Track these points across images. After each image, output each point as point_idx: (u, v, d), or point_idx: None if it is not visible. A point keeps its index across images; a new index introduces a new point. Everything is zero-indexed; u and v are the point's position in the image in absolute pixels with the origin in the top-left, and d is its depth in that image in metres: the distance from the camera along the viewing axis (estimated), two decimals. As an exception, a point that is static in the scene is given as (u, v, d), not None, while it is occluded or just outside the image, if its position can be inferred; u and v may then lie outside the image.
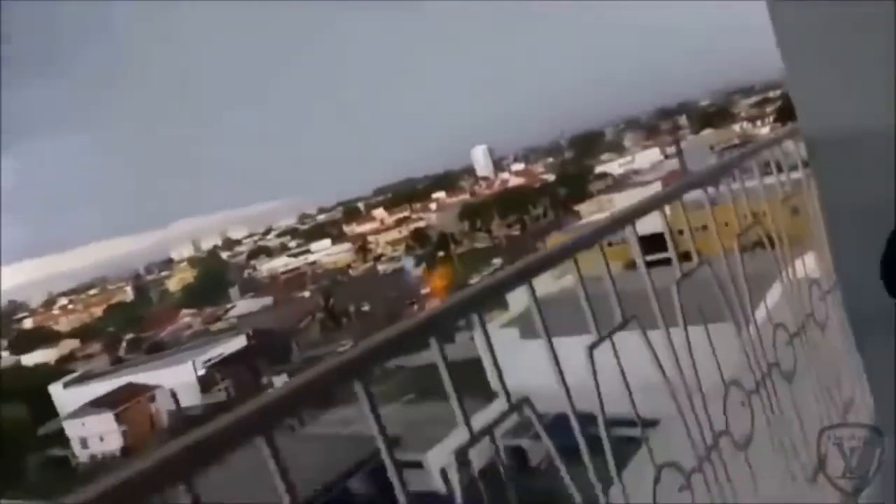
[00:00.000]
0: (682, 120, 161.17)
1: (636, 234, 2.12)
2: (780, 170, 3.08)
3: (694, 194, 2.61)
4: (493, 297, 1.61)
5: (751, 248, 2.67)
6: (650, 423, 1.87)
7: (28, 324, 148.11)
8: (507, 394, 1.66)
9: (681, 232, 2.35)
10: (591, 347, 1.81)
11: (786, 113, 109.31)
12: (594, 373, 1.79)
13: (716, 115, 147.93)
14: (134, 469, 1.03)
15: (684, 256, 2.33)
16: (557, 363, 1.72)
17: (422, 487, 1.55)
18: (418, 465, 30.96)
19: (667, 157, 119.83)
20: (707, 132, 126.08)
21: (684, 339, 2.18)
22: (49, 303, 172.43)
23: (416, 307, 75.57)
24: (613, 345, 1.86)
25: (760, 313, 2.72)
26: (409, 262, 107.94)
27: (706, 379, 2.21)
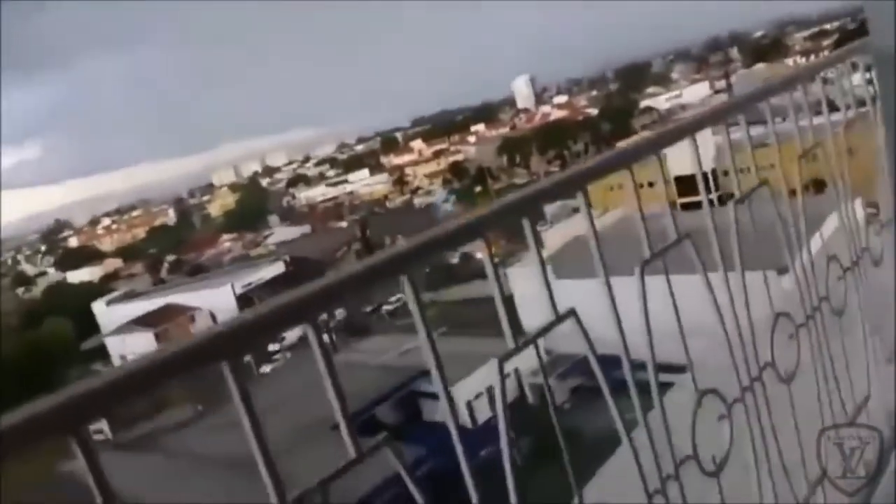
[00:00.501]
0: (734, 52, 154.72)
1: (663, 161, 1.95)
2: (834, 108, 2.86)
3: (735, 135, 2.35)
4: (536, 206, 1.58)
5: (804, 190, 2.49)
6: (679, 369, 1.74)
7: (73, 242, 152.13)
8: (554, 304, 1.60)
9: (725, 173, 2.19)
10: (643, 265, 1.73)
11: (845, 45, 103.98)
12: (643, 293, 1.70)
13: (769, 47, 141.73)
14: (180, 345, 1.03)
15: (728, 197, 2.16)
16: (613, 302, 1.65)
17: (447, 419, 1.38)
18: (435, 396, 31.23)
19: (716, 91, 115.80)
20: (759, 66, 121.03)
21: (730, 272, 2.07)
22: (93, 222, 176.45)
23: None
24: (666, 268, 1.78)
25: (815, 246, 2.58)
26: (440, 197, 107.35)
27: (751, 318, 2.10)
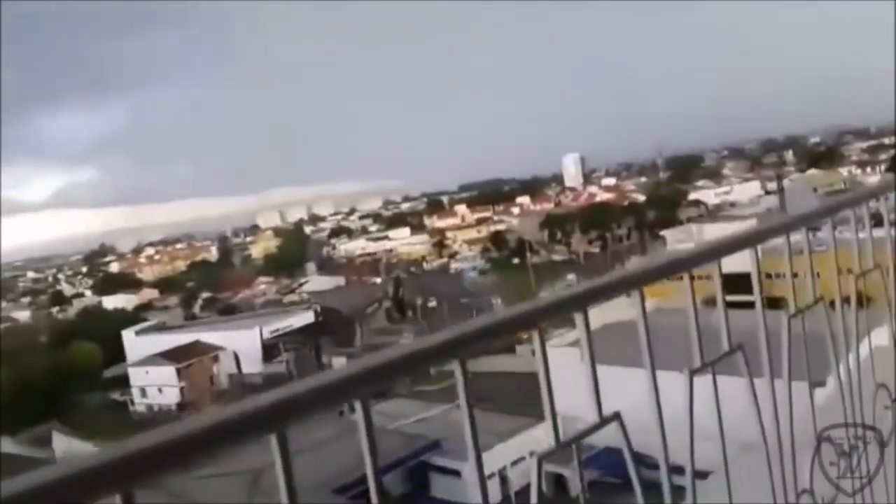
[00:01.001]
0: (788, 155, 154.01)
1: (720, 270, 1.97)
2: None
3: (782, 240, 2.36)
4: (592, 302, 1.59)
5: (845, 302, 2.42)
6: (701, 475, 1.71)
7: (114, 267, 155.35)
8: (600, 407, 1.66)
9: (768, 276, 2.18)
10: (692, 373, 1.73)
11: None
12: (691, 400, 1.71)
13: (824, 154, 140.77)
14: (222, 414, 1.00)
15: (770, 302, 2.13)
16: (657, 396, 1.66)
17: (457, 497, 1.39)
18: (456, 473, 30.32)
19: (767, 192, 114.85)
20: (812, 172, 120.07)
21: (777, 386, 2.03)
22: (137, 250, 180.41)
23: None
24: (714, 378, 1.78)
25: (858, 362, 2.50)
26: (469, 265, 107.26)
27: (784, 434, 2.05)
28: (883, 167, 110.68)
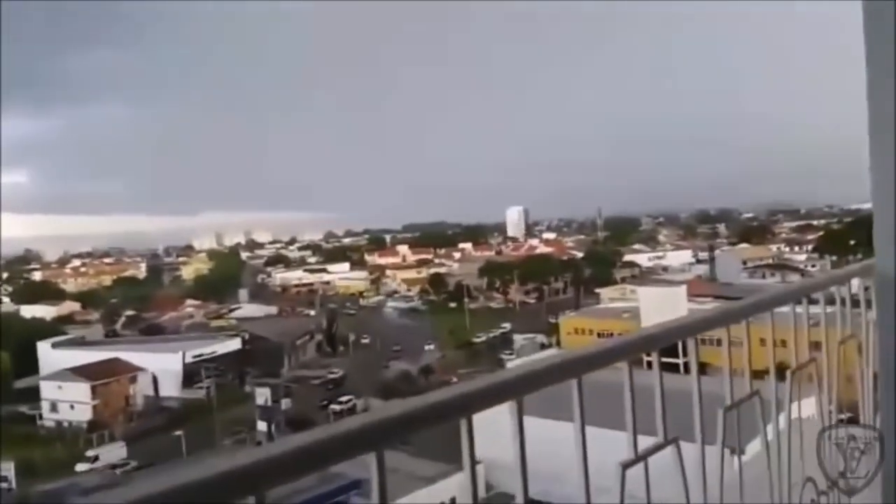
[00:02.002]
0: (721, 228, 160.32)
1: (659, 360, 1.92)
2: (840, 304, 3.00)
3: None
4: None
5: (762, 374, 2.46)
6: None
7: (37, 276, 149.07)
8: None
9: (703, 341, 2.20)
10: (625, 467, 1.69)
11: (828, 244, 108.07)
12: (622, 493, 1.68)
13: (756, 230, 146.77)
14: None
15: (703, 367, 2.13)
16: (585, 454, 1.66)
17: None
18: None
19: (698, 261, 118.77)
20: (743, 246, 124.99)
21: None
22: (63, 261, 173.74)
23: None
24: (647, 466, 1.74)
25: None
26: (406, 309, 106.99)
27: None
28: (809, 247, 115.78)
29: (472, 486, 1.35)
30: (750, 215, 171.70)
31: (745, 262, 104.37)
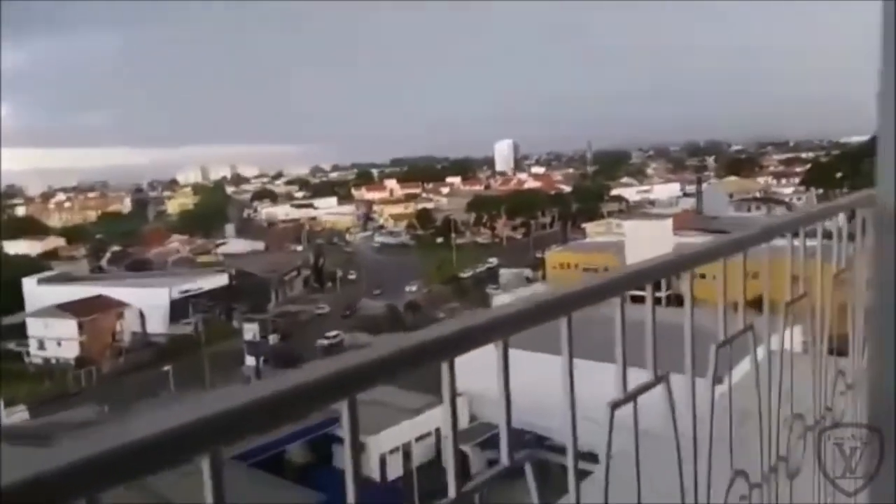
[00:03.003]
0: (710, 160, 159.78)
1: (652, 294, 1.89)
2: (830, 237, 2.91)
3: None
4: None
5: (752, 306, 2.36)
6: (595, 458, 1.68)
7: (20, 211, 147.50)
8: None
9: (702, 276, 2.15)
10: (614, 407, 1.70)
11: (815, 177, 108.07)
12: (610, 434, 1.69)
13: (744, 163, 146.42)
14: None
15: (678, 299, 2.14)
16: (572, 385, 1.62)
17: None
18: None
19: (685, 194, 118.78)
20: (731, 179, 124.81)
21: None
22: (47, 196, 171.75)
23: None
24: (636, 406, 1.75)
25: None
26: (393, 244, 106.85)
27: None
28: (796, 180, 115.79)
29: (453, 433, 1.32)
30: (739, 148, 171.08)
31: (731, 196, 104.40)
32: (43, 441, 30.89)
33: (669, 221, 60.71)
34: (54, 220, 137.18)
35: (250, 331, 52.59)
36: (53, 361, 57.71)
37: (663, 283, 2.11)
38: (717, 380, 2.15)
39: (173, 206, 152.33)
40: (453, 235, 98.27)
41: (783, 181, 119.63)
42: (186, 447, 0.85)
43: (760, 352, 2.43)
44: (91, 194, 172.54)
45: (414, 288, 72.87)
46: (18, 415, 43.24)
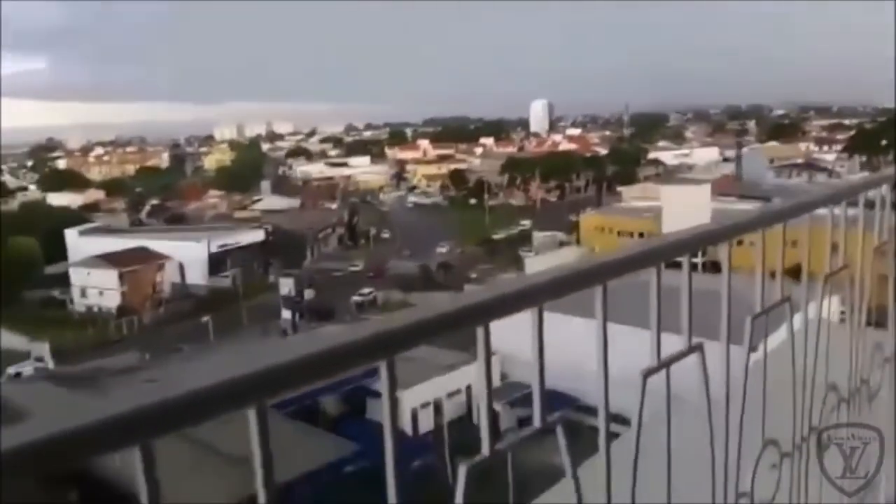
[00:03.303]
0: (751, 125, 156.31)
1: (689, 265, 1.84)
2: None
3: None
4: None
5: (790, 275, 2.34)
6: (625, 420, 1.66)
7: (61, 164, 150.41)
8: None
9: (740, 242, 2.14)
10: (647, 375, 1.67)
11: (858, 144, 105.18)
12: (642, 403, 1.67)
13: (786, 128, 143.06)
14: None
15: (713, 266, 2.16)
16: (605, 351, 1.60)
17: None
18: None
19: (725, 159, 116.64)
20: (772, 144, 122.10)
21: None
22: (86, 149, 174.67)
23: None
24: (668, 374, 1.73)
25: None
26: (427, 204, 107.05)
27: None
28: (839, 146, 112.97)
29: (487, 395, 1.34)
30: (781, 112, 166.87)
31: (772, 161, 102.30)
32: (90, 384, 32.31)
33: (708, 187, 59.70)
34: (94, 174, 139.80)
35: (286, 285, 53.40)
36: (95, 310, 59.49)
37: (699, 252, 2.02)
38: (751, 348, 2.15)
39: (210, 162, 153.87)
40: (486, 197, 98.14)
41: (825, 147, 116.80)
42: (237, 398, 0.92)
43: (797, 321, 2.41)
44: (129, 149, 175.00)
45: (445, 249, 73.11)
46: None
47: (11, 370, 43.13)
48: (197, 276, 65.00)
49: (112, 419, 0.79)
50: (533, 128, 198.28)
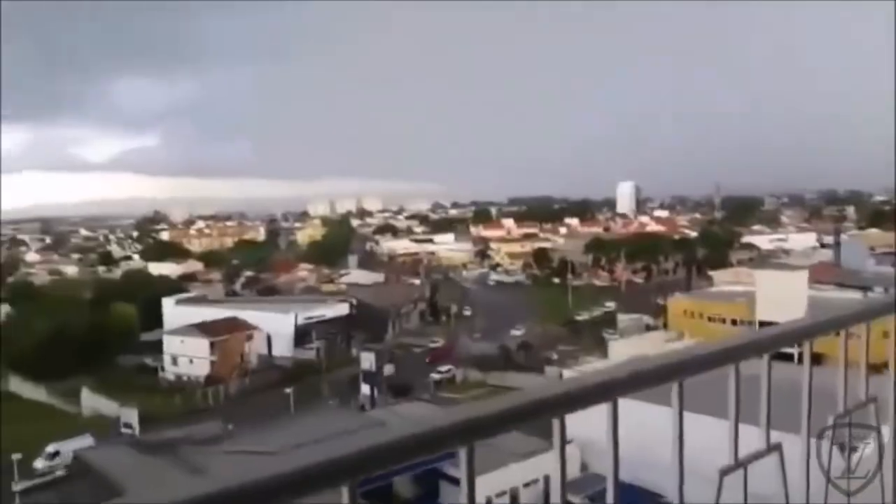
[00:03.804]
0: (850, 211, 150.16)
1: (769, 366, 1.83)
2: None
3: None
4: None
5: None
6: None
7: (165, 236, 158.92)
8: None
9: None
10: (724, 473, 1.67)
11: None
12: (718, 498, 1.66)
13: (888, 214, 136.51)
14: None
15: (799, 354, 2.01)
16: (681, 441, 1.62)
17: None
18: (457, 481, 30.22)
19: (822, 245, 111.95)
20: (872, 231, 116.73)
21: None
22: (188, 222, 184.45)
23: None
24: (746, 473, 1.70)
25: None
26: (510, 282, 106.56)
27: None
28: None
29: (561, 489, 1.42)
30: (882, 199, 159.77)
31: (872, 249, 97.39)
32: (170, 451, 32.98)
33: (805, 273, 57.18)
34: (194, 246, 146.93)
35: (367, 360, 53.55)
36: (185, 378, 61.20)
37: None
38: (840, 447, 2.07)
39: (303, 237, 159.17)
40: (570, 276, 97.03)
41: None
42: (333, 477, 1.06)
43: (886, 431, 2.27)
44: (229, 223, 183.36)
45: (521, 332, 71.62)
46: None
47: (51, 448, 42.29)
48: (283, 346, 66.25)
49: (221, 493, 0.91)
50: (620, 208, 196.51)
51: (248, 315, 69.81)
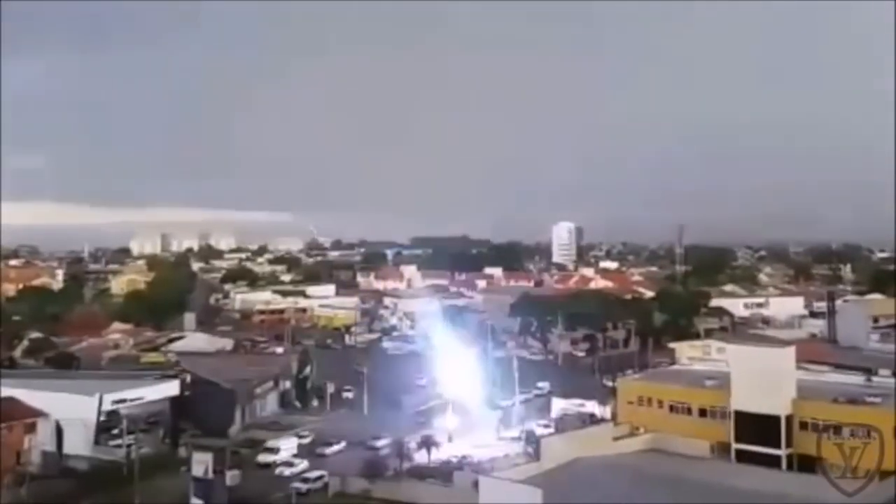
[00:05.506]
0: (846, 271, 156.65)
1: None
2: None
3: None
4: None
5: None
6: None
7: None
8: None
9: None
10: None
11: None
12: None
13: (893, 275, 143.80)
14: None
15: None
16: None
17: None
18: None
19: (812, 313, 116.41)
20: (874, 297, 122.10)
21: None
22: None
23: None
24: None
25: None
26: (405, 352, 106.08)
27: None
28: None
29: None
30: (886, 255, 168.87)
31: (875, 320, 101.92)
32: None
33: (792, 350, 58.56)
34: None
35: (201, 463, 51.15)
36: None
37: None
38: None
39: (119, 284, 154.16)
40: (489, 346, 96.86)
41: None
42: None
43: None
44: (13, 262, 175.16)
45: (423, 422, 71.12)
46: None
47: None
48: (80, 442, 62.82)
49: None
50: (556, 257, 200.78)
51: (32, 396, 65.89)
